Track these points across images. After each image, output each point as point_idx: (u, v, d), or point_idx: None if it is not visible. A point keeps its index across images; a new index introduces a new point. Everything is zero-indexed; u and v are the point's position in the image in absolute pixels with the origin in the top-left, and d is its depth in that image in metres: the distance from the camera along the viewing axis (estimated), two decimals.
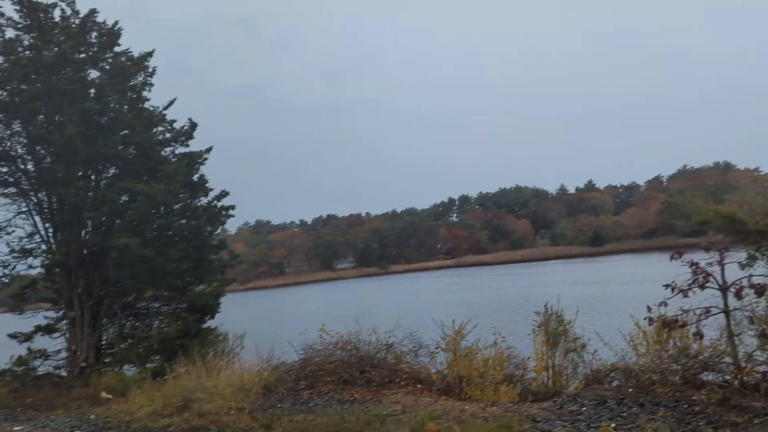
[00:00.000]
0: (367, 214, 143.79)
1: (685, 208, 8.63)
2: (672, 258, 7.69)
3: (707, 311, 7.86)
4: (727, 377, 7.62)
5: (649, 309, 8.27)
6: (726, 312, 7.63)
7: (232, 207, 15.18)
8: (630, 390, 7.91)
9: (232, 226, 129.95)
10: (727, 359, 7.80)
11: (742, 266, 6.99)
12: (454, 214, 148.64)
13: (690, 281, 7.43)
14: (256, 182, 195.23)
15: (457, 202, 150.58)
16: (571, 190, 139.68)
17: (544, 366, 10.54)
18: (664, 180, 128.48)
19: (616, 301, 27.77)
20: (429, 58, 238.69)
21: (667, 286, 7.92)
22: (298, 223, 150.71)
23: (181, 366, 11.73)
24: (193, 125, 15.14)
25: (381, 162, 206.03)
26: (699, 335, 7.52)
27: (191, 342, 13.47)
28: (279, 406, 9.21)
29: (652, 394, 7.63)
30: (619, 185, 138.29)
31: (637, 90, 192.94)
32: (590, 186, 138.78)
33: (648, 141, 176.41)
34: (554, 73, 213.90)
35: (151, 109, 15.18)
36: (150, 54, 15.42)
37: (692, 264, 7.49)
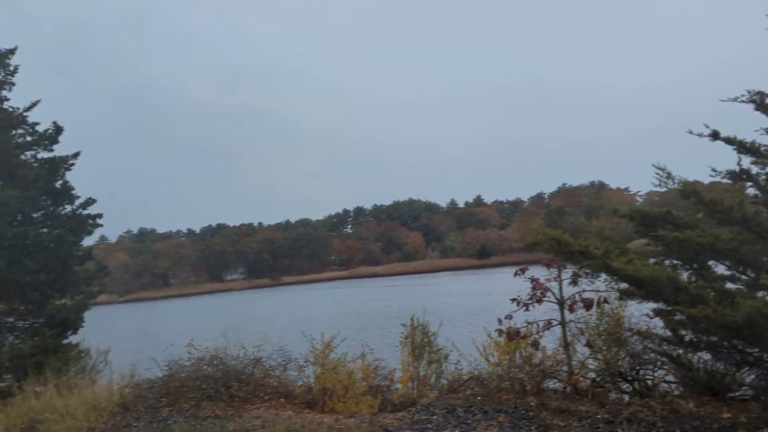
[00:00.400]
0: (260, 223, 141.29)
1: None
2: (516, 274, 8.32)
3: (549, 323, 8.59)
4: (563, 384, 8.35)
5: (500, 321, 8.87)
6: (562, 324, 8.37)
7: (100, 215, 14.45)
8: (479, 398, 8.43)
9: (112, 234, 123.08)
10: (565, 367, 8.55)
11: (571, 282, 7.72)
12: (349, 226, 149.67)
13: (530, 296, 8.08)
14: (141, 189, 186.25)
15: (351, 214, 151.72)
16: (461, 204, 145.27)
17: (409, 377, 10.98)
18: (546, 197, 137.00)
19: (491, 311, 29.18)
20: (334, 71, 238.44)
21: (513, 300, 8.58)
22: (185, 232, 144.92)
23: (33, 385, 10.99)
24: (58, 129, 14.28)
25: (274, 172, 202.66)
26: (536, 345, 8.17)
27: (48, 359, 12.64)
28: (134, 424, 8.88)
29: (497, 401, 8.18)
30: (505, 201, 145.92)
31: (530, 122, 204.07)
32: (479, 201, 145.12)
33: (533, 160, 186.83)
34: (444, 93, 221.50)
35: (11, 110, 14.14)
36: (12, 51, 14.41)
37: (533, 280, 8.15)
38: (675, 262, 7.77)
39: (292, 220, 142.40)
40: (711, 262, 7.66)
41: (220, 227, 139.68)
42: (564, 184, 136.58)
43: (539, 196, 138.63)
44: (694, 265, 7.65)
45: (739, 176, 6.19)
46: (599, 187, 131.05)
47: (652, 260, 7.54)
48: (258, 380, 10.24)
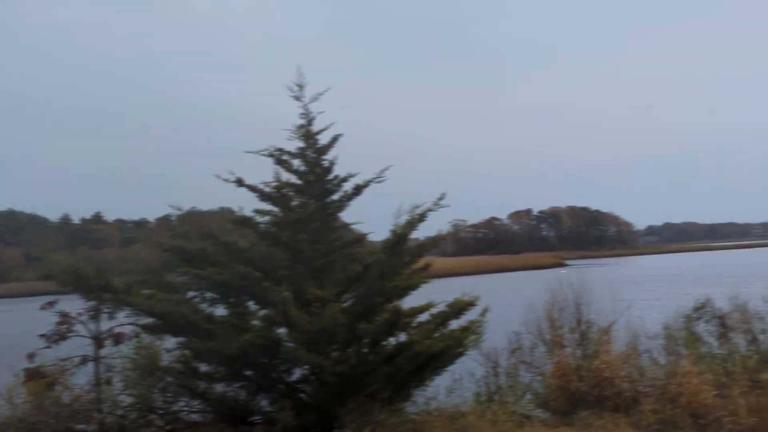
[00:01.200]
0: None
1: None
2: (42, 308, 7.61)
3: (84, 359, 8.06)
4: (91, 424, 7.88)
5: (28, 358, 7.95)
6: (96, 360, 7.95)
7: None
8: None
9: None
10: (99, 406, 8.10)
11: (91, 318, 7.42)
12: None
13: (54, 331, 7.46)
14: None
15: None
16: (76, 220, 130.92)
17: None
18: (174, 218, 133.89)
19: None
20: None
21: (42, 335, 7.80)
22: None
23: None
24: None
25: None
26: (51, 386, 7.56)
27: None
28: None
29: None
30: (128, 220, 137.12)
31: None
32: (98, 218, 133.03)
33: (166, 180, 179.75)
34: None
35: None
36: None
37: (62, 314, 7.56)
38: (214, 296, 8.19)
39: None
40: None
41: None
42: (194, 207, 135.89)
43: (166, 218, 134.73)
44: (231, 300, 8.18)
45: (243, 223, 6.90)
46: (229, 212, 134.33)
47: (192, 294, 7.81)
48: None
